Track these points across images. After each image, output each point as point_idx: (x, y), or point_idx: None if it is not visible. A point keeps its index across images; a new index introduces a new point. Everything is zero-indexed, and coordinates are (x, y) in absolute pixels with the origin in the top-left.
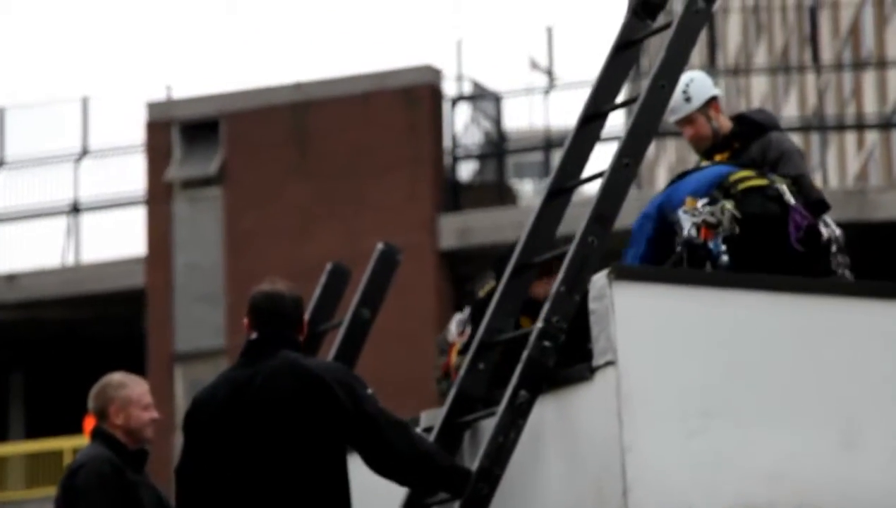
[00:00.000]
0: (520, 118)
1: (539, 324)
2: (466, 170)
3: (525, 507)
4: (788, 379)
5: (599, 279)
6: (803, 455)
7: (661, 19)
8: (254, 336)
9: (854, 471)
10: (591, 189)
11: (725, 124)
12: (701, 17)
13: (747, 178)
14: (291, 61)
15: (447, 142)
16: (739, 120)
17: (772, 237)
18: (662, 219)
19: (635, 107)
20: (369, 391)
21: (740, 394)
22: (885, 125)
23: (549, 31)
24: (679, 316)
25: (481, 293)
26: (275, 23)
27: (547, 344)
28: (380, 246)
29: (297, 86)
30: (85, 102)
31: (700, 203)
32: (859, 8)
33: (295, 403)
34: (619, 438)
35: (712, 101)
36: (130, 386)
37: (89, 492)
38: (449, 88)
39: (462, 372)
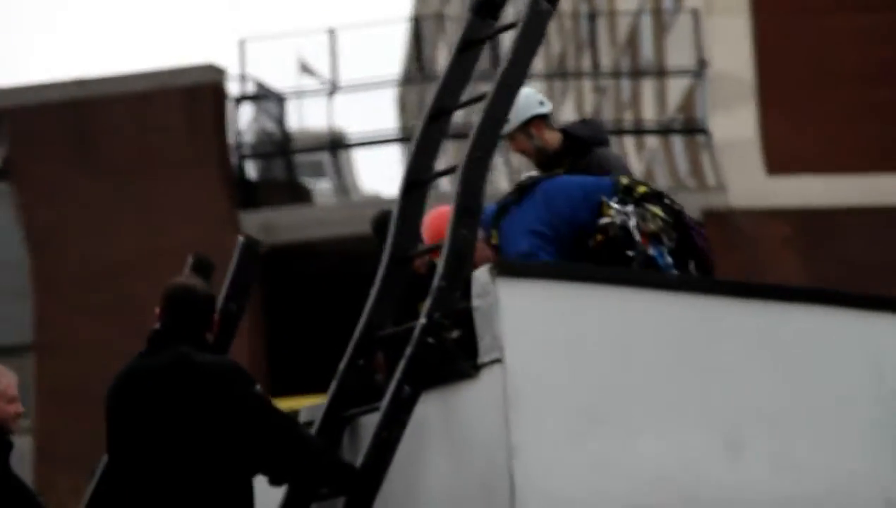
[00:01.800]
0: (302, 118)
1: (421, 321)
2: (254, 170)
3: (409, 506)
4: (676, 382)
5: (482, 275)
6: (689, 459)
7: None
8: (157, 326)
9: (739, 476)
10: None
11: (552, 140)
12: (544, 16)
13: (636, 183)
14: (74, 58)
15: (231, 141)
16: (564, 135)
17: (688, 245)
18: (556, 229)
19: (485, 103)
20: (257, 387)
21: (628, 396)
22: (664, 131)
23: (332, 32)
24: (567, 313)
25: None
26: (57, 18)
27: (430, 340)
28: (241, 238)
29: (80, 83)
30: None
31: (614, 207)
32: (637, 17)
33: (184, 399)
34: (506, 438)
35: (533, 120)
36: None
37: None
38: (232, 88)
39: (341, 367)
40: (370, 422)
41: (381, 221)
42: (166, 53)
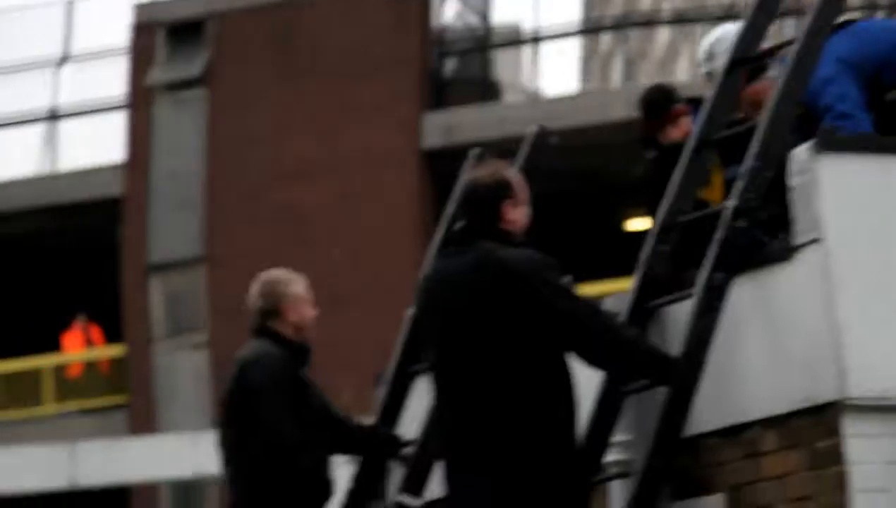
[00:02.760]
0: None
1: (732, 203)
2: (450, 69)
3: (730, 395)
4: None
5: (801, 152)
6: None
7: None
8: (458, 225)
9: None
10: None
11: None
12: None
13: None
14: None
15: (433, 39)
16: None
17: None
18: (863, 64)
19: None
20: (566, 279)
21: None
22: None
23: None
24: (891, 189)
25: None
26: None
27: (741, 223)
28: (533, 127)
29: None
30: (69, 6)
31: None
32: None
33: (491, 296)
34: (831, 319)
35: None
36: (297, 282)
37: (263, 391)
38: None
39: (644, 255)
40: (676, 312)
41: (652, 99)
42: None
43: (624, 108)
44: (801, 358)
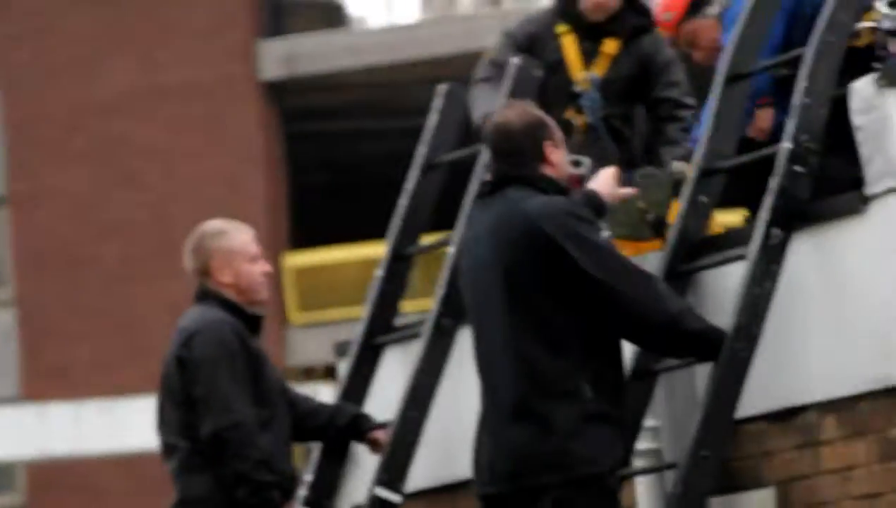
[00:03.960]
0: None
1: (786, 144)
2: None
3: (781, 374)
4: None
5: (864, 87)
6: None
7: None
8: (487, 177)
9: None
10: None
11: None
12: None
13: None
14: None
15: None
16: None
17: None
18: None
19: None
20: (604, 234)
21: None
22: None
23: None
24: None
25: None
26: None
27: (798, 168)
28: (514, 60)
29: None
30: None
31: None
32: None
33: (522, 254)
34: None
35: None
36: (233, 234)
37: (210, 364)
38: None
39: (681, 208)
40: (721, 277)
41: None
42: None
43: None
44: (874, 331)
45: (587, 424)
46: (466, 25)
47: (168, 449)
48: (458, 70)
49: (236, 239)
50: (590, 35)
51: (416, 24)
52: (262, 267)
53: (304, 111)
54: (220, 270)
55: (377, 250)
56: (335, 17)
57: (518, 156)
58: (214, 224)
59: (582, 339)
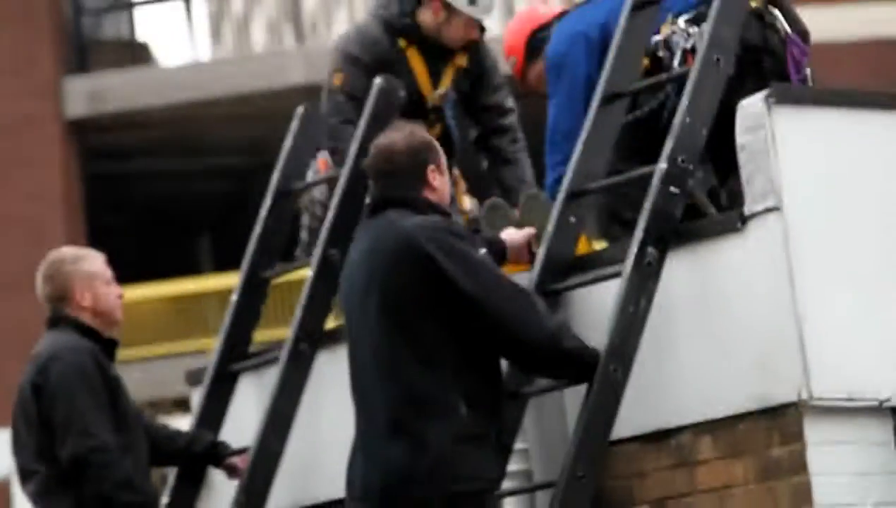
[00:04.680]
0: None
1: (661, 165)
2: (92, 27)
3: (655, 395)
4: None
5: (753, 105)
6: None
7: None
8: (367, 199)
9: None
10: None
11: None
12: None
13: None
14: None
15: None
16: None
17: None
18: (605, 43)
19: None
20: (482, 251)
21: None
22: None
23: None
24: (858, 149)
25: None
26: None
27: (673, 189)
28: (377, 81)
29: None
30: None
31: (682, 21)
32: None
33: (392, 275)
34: (791, 303)
35: None
36: (89, 259)
37: (67, 389)
38: None
39: (550, 228)
40: (594, 295)
41: None
42: None
43: (302, 72)
44: (752, 352)
45: (462, 442)
46: (269, 62)
47: (26, 474)
48: (261, 108)
49: (95, 263)
50: (436, 51)
51: (219, 61)
52: (116, 290)
53: (106, 150)
54: (81, 294)
55: (179, 288)
56: (139, 55)
57: (399, 177)
58: (68, 250)
59: (457, 356)
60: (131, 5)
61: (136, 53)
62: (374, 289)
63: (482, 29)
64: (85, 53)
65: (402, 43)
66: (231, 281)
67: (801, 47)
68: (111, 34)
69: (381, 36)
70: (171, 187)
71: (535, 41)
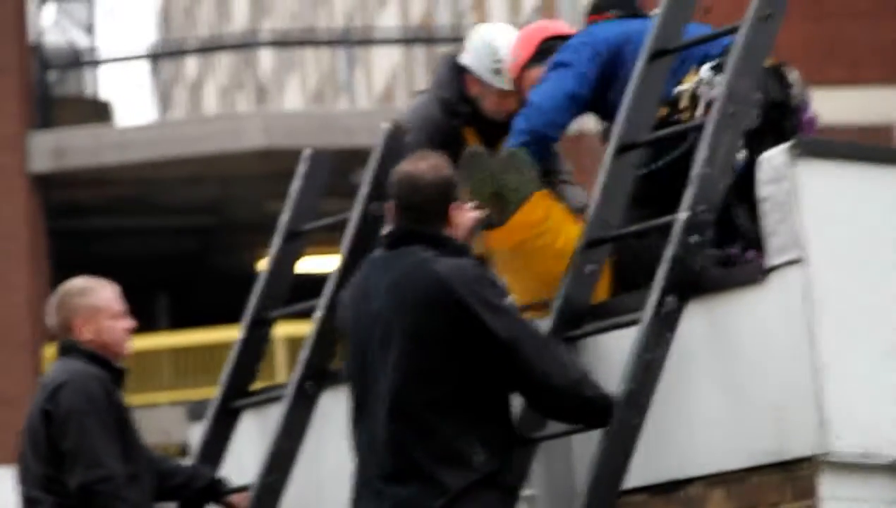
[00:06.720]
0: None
1: (682, 214)
2: (54, 84)
3: (666, 445)
4: None
5: (776, 156)
6: None
7: None
8: (388, 229)
9: None
10: None
11: None
12: None
13: None
14: None
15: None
16: None
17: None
18: (612, 65)
19: None
20: (509, 300)
21: None
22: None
23: None
24: (881, 203)
25: None
26: None
27: (694, 239)
28: (384, 124)
29: None
30: None
31: (705, 71)
32: None
33: (427, 315)
34: (810, 357)
35: None
36: (97, 292)
37: (77, 416)
38: None
39: (566, 277)
40: (611, 344)
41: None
42: None
43: (261, 135)
44: (768, 404)
45: (477, 487)
46: (233, 124)
47: (30, 503)
48: (223, 168)
49: (101, 296)
50: (490, 131)
51: (180, 122)
52: (124, 324)
53: (69, 206)
54: (82, 327)
55: (139, 344)
56: (103, 113)
57: (426, 212)
58: (78, 281)
59: (477, 402)
60: (97, 63)
61: (99, 111)
62: (397, 328)
63: (523, 103)
64: (49, 109)
65: (457, 122)
66: (187, 338)
67: (810, 113)
68: (74, 91)
69: (441, 121)
70: (131, 244)
71: (546, 45)
